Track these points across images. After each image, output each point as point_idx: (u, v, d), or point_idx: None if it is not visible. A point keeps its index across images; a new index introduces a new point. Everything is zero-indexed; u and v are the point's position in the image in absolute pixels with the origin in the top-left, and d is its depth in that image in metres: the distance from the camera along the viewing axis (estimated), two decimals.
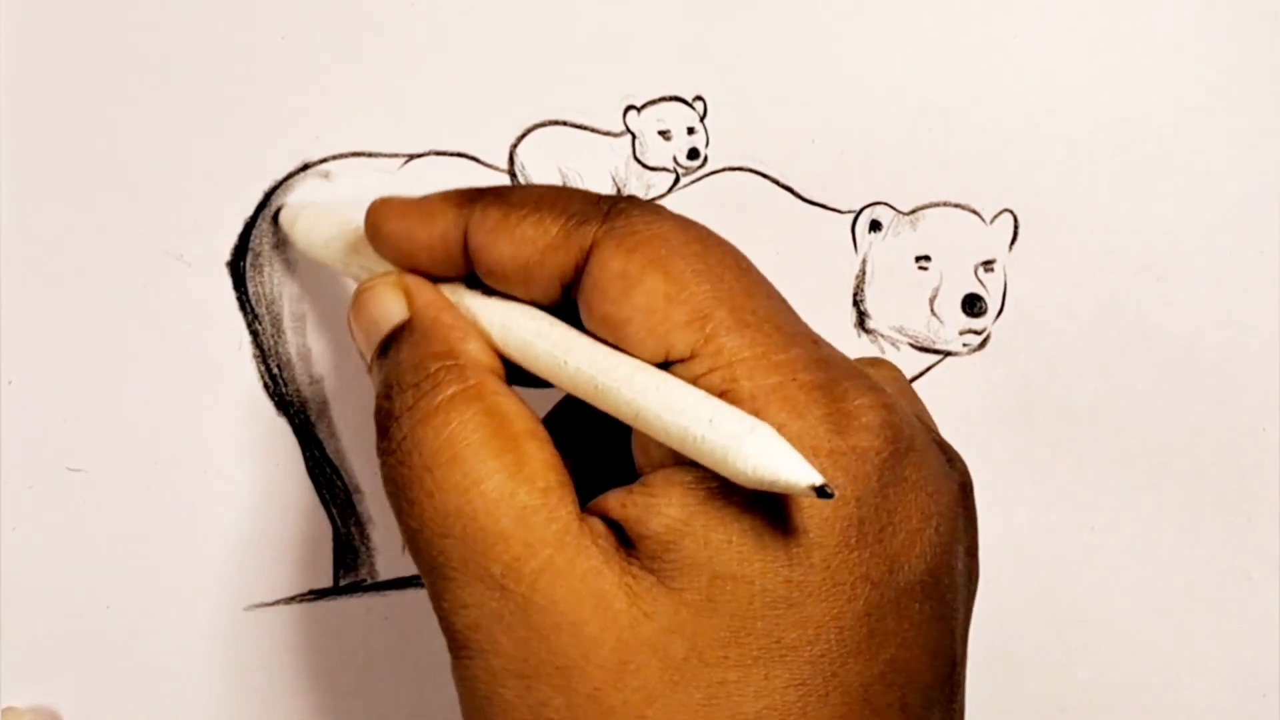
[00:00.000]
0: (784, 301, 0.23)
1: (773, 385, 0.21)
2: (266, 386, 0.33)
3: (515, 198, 0.24)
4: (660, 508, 0.21)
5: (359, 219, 0.27)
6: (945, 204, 0.33)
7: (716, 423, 0.20)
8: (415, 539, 0.23)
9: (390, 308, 0.25)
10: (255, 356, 0.32)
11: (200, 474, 0.33)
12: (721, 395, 0.21)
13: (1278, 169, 0.34)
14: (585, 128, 0.32)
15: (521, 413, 0.23)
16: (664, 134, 0.33)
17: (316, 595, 0.33)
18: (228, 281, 0.32)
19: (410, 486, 0.22)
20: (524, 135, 0.32)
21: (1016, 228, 0.34)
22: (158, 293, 0.32)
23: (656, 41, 0.32)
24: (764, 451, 0.19)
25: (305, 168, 0.32)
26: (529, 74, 0.32)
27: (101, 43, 0.31)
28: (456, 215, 0.24)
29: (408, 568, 0.34)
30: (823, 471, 0.20)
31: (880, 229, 0.33)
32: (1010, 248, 0.34)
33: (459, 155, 0.32)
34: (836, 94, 0.33)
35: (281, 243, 0.32)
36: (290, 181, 0.32)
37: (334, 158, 0.32)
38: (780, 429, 0.20)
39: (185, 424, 0.32)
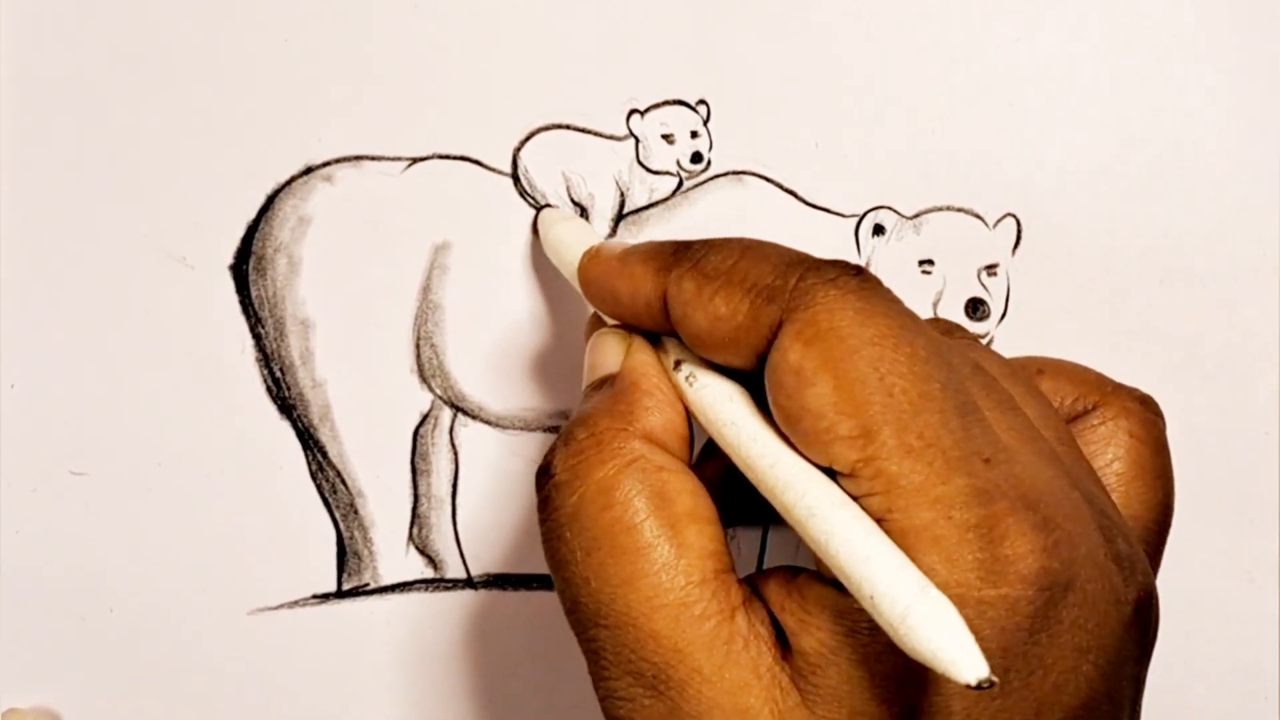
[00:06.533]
0: (962, 407, 0.21)
1: (926, 522, 0.20)
2: (269, 390, 0.32)
3: (710, 266, 0.23)
4: (812, 628, 0.21)
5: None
6: (948, 208, 0.33)
7: (891, 585, 0.19)
8: (569, 615, 0.23)
9: (608, 358, 0.25)
10: (258, 360, 0.32)
11: (203, 478, 0.32)
12: (878, 524, 0.20)
13: (1278, 172, 0.34)
14: (588, 131, 0.32)
15: (685, 490, 0.23)
16: (667, 138, 0.32)
17: (319, 599, 0.33)
18: (230, 285, 0.32)
19: (566, 565, 0.22)
20: (527, 139, 0.32)
21: (1019, 232, 0.34)
22: (160, 296, 0.32)
23: (660, 45, 0.32)
24: (932, 634, 0.18)
25: (308, 171, 0.32)
26: (532, 77, 0.32)
27: (104, 45, 0.31)
28: (655, 281, 0.24)
29: (410, 572, 0.34)
30: (968, 622, 0.19)
31: (883, 233, 0.33)
32: (1013, 252, 0.34)
33: (462, 159, 0.32)
34: (840, 98, 0.33)
35: (286, 246, 0.32)
36: (292, 184, 0.32)
37: (336, 161, 0.32)
38: (929, 575, 0.19)
39: (187, 427, 0.32)
